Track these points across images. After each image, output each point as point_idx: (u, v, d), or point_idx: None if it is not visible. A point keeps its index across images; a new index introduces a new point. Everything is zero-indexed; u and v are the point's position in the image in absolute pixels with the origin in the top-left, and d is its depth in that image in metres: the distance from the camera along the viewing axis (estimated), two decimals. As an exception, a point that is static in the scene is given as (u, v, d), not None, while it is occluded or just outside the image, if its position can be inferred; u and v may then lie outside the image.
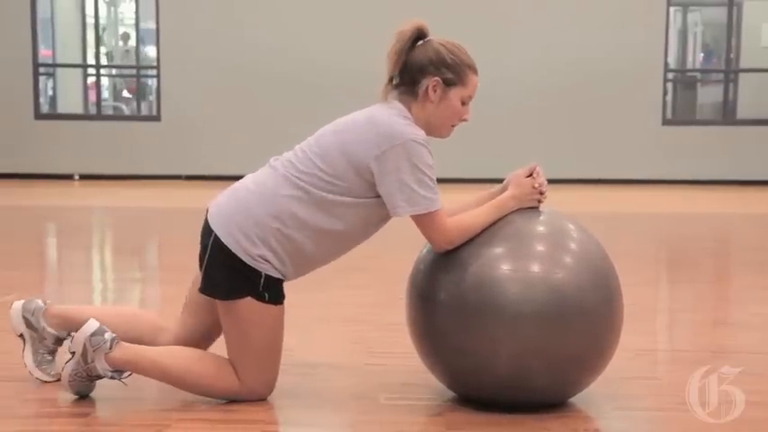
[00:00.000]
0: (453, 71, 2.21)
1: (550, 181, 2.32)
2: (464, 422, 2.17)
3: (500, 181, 2.35)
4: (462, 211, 2.26)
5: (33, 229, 6.62)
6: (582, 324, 2.13)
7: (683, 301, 4.02)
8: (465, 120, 2.28)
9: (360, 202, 2.19)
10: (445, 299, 2.18)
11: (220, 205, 2.26)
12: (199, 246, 2.28)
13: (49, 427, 2.14)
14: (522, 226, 2.23)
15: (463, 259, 2.18)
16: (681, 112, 11.84)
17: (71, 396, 2.29)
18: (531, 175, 2.28)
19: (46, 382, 2.41)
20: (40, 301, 2.48)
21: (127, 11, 13.15)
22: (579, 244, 2.23)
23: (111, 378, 2.25)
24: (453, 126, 2.29)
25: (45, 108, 11.12)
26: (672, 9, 11.08)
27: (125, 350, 2.23)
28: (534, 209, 2.28)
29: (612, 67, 10.73)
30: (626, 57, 10.72)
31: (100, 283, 4.39)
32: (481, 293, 2.12)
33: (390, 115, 2.19)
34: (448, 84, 2.21)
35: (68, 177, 10.55)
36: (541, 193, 2.27)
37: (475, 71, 2.24)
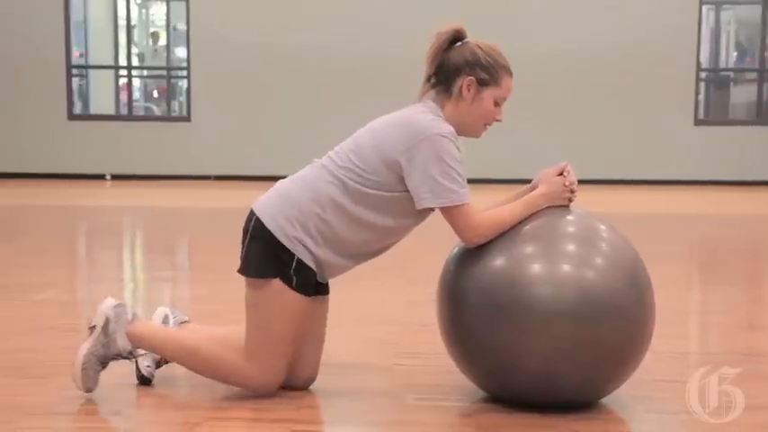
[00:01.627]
0: (488, 72, 2.25)
1: (579, 181, 2.31)
2: (494, 423, 2.16)
3: (528, 182, 2.35)
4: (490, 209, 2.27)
5: (66, 228, 6.72)
6: (613, 324, 2.11)
7: (714, 304, 3.97)
8: (498, 120, 2.32)
9: (393, 195, 2.22)
10: (476, 298, 2.18)
11: (264, 197, 2.33)
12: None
13: (83, 423, 2.17)
14: (554, 226, 2.22)
15: (494, 259, 2.18)
16: (713, 112, 11.70)
17: (104, 393, 2.32)
18: (561, 173, 2.29)
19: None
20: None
21: (158, 12, 13.28)
22: (610, 244, 2.22)
23: (127, 357, 2.32)
24: (487, 126, 2.33)
25: (78, 109, 11.26)
26: (704, 7, 10.96)
27: (141, 325, 2.35)
28: (565, 208, 2.28)
29: (644, 66, 10.64)
30: (658, 56, 10.62)
31: (131, 282, 4.44)
32: (512, 293, 2.12)
33: (421, 113, 2.24)
34: (482, 84, 2.25)
35: (100, 177, 10.68)
36: (572, 192, 2.28)
37: (510, 73, 2.28)
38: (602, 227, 2.26)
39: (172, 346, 2.34)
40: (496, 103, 2.28)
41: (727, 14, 12.11)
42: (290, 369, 2.35)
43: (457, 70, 2.25)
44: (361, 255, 2.32)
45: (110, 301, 2.35)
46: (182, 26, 11.20)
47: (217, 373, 2.32)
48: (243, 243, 2.31)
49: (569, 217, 2.26)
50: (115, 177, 10.69)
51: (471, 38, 2.30)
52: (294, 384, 2.37)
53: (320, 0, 10.59)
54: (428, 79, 2.30)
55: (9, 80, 10.55)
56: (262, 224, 2.25)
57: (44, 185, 9.84)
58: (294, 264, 2.23)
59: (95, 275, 4.70)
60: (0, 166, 10.55)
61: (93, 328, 2.32)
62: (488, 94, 2.25)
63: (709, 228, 6.98)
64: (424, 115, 2.22)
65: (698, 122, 10.90)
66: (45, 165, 10.63)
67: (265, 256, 2.24)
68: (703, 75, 11.25)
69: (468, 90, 2.24)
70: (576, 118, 10.60)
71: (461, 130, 2.26)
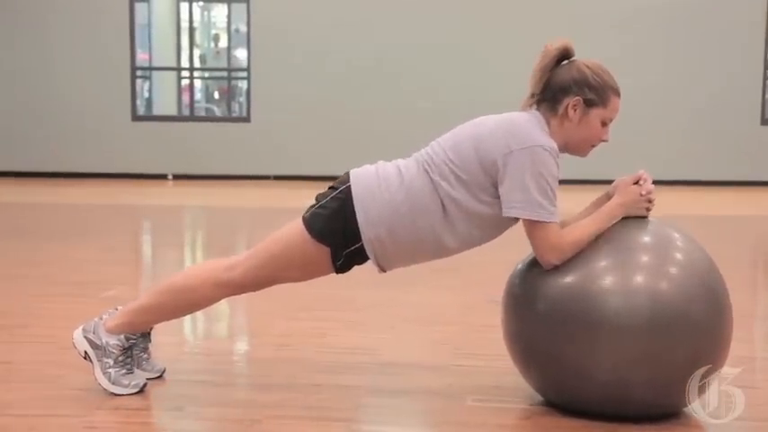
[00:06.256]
0: (596, 92, 2.20)
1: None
2: (553, 426, 2.13)
3: (595, 182, 2.32)
4: (568, 223, 2.23)
5: (130, 226, 6.86)
6: (687, 337, 2.07)
7: (784, 308, 3.85)
8: (604, 140, 2.26)
9: (472, 201, 2.18)
10: (546, 307, 2.15)
11: (365, 170, 2.28)
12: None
13: (144, 419, 2.21)
14: (627, 236, 2.17)
15: (566, 268, 2.14)
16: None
17: (165, 390, 2.35)
18: (637, 182, 2.23)
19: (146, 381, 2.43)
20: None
21: (219, 15, 13.48)
22: (685, 254, 2.16)
23: (131, 344, 2.33)
24: (593, 146, 2.27)
25: (141, 110, 11.49)
26: (774, 3, 10.66)
27: (114, 316, 2.36)
28: (641, 218, 2.22)
29: (708, 65, 10.41)
30: (723, 53, 10.38)
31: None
32: (584, 303, 2.08)
33: (529, 121, 2.19)
34: (589, 104, 2.20)
35: (162, 177, 10.88)
36: (650, 201, 2.22)
37: (618, 94, 2.23)
38: (677, 235, 2.21)
39: (154, 310, 2.35)
40: (603, 123, 2.22)
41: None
42: None
43: (563, 90, 2.19)
44: (423, 257, 2.30)
45: (77, 330, 2.37)
46: (243, 28, 11.34)
47: (196, 292, 2.32)
48: (324, 195, 2.27)
49: (643, 226, 2.20)
50: (177, 177, 10.87)
51: (578, 57, 2.25)
52: None
53: (379, 2, 10.61)
54: (531, 96, 2.24)
55: (75, 82, 10.82)
56: (350, 195, 2.22)
57: (108, 185, 10.07)
58: (354, 248, 2.22)
59: (158, 273, 4.79)
60: (66, 166, 10.82)
61: (86, 355, 2.35)
62: (595, 114, 2.20)
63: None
64: (534, 126, 2.17)
65: (764, 122, 10.62)
66: (109, 165, 10.87)
67: (335, 224, 2.21)
68: (771, 73, 10.94)
69: (575, 110, 2.19)
70: (639, 117, 10.41)
71: (567, 149, 2.22)
